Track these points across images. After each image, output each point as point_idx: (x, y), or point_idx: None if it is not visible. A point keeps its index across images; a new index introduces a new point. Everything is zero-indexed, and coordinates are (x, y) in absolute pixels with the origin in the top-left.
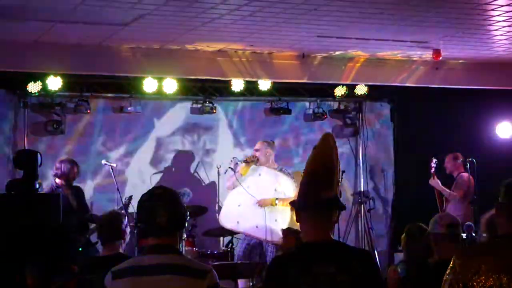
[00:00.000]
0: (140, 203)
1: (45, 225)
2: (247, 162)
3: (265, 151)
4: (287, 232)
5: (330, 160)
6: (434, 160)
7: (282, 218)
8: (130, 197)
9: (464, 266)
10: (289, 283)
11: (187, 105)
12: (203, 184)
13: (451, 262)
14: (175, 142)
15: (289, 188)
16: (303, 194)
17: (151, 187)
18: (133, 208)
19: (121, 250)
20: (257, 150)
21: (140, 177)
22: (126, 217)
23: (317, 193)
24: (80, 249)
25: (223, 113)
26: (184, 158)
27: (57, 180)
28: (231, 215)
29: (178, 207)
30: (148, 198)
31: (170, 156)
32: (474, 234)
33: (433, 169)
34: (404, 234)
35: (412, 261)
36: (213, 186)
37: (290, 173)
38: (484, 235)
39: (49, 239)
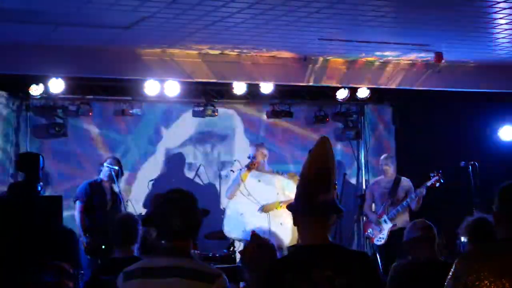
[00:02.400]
0: (155, 205)
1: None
2: (249, 168)
3: (262, 154)
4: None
5: (327, 164)
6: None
7: (287, 221)
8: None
9: (466, 271)
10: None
11: (189, 108)
12: (205, 187)
13: (453, 266)
14: (177, 145)
15: (290, 189)
16: (300, 198)
17: (150, 189)
18: (135, 211)
19: (135, 253)
20: (254, 156)
21: (143, 179)
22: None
23: (314, 196)
24: None
25: (225, 116)
26: (185, 160)
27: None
28: (235, 225)
29: (193, 212)
30: (163, 202)
31: (173, 158)
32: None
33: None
34: None
35: None
36: (214, 188)
37: (285, 175)
38: (464, 239)
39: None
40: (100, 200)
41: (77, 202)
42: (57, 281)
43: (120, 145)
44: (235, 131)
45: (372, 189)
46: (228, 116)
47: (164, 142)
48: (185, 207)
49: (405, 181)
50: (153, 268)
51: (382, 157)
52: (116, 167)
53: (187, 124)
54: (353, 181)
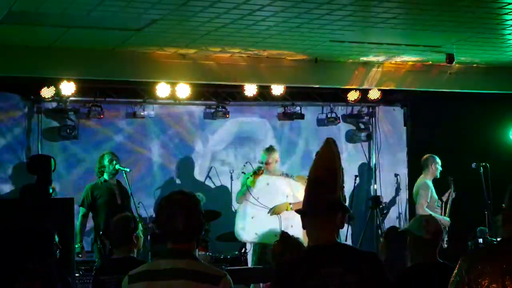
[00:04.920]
0: (159, 207)
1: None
2: (256, 174)
3: (274, 159)
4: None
5: (332, 164)
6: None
7: (297, 223)
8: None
9: (470, 269)
10: (297, 286)
11: (200, 109)
12: (216, 189)
13: (457, 265)
14: (189, 147)
15: (299, 191)
16: (307, 199)
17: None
18: (146, 213)
19: (132, 254)
20: (266, 162)
21: (154, 181)
22: (136, 221)
23: (319, 196)
24: None
25: (237, 118)
26: (197, 162)
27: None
28: (247, 229)
29: (196, 213)
30: (167, 204)
31: (184, 160)
32: (490, 238)
33: None
34: None
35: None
36: (226, 190)
37: (294, 177)
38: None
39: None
40: (108, 201)
41: (80, 208)
42: (30, 282)
43: (131, 147)
44: (247, 134)
45: (431, 188)
46: (240, 118)
47: (176, 144)
48: (187, 209)
49: None
50: (158, 270)
51: (437, 159)
52: (128, 169)
53: (198, 125)
54: (364, 183)
